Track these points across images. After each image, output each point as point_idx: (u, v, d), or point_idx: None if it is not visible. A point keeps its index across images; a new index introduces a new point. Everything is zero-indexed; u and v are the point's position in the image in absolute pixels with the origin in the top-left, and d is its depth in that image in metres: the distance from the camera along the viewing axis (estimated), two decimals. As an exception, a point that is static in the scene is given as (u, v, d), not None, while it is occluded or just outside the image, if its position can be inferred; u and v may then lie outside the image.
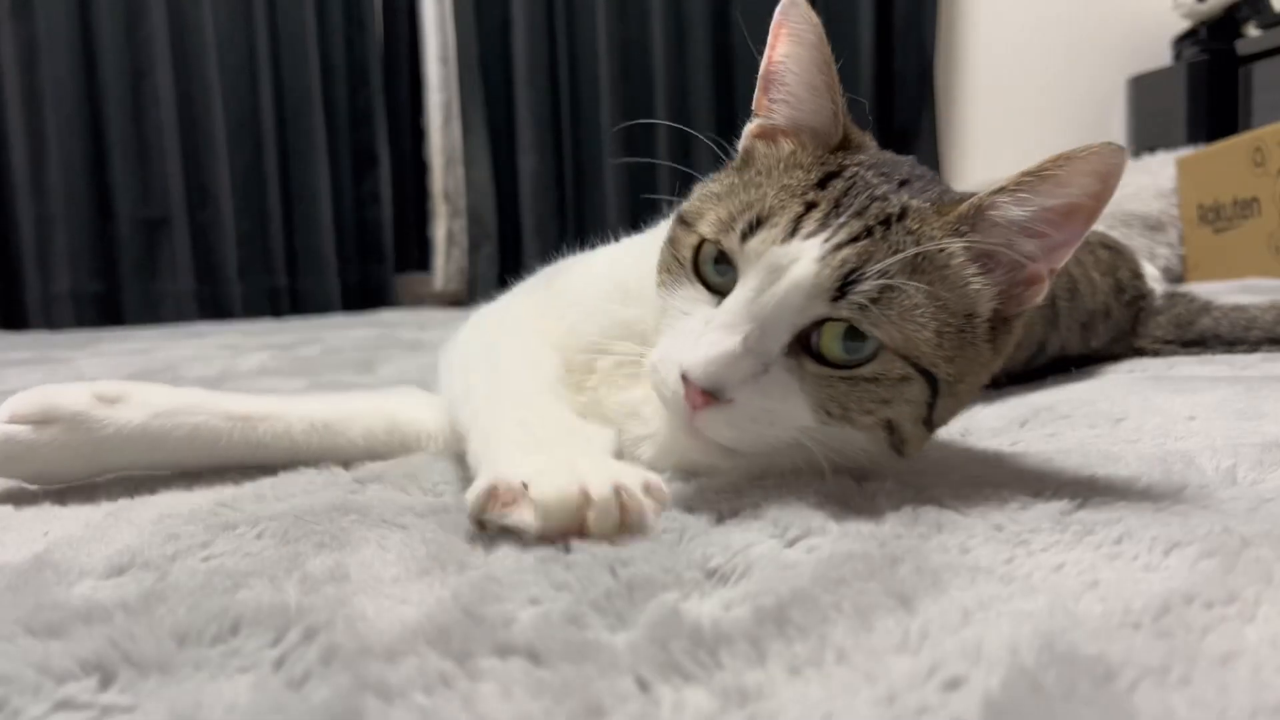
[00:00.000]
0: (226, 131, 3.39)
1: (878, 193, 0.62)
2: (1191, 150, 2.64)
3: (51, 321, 3.29)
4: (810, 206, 0.61)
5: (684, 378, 0.60)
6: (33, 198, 3.27)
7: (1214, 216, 2.41)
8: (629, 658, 0.41)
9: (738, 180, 0.67)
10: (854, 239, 0.60)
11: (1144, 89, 3.39)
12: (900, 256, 0.59)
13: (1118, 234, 2.56)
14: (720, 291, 0.63)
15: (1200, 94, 3.15)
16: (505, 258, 3.65)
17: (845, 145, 0.67)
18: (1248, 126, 2.95)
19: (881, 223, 0.61)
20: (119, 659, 0.43)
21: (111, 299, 3.38)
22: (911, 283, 0.59)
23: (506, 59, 3.59)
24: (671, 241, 0.68)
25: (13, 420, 0.70)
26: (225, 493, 0.75)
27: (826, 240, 0.60)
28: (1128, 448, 0.74)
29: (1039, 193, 0.61)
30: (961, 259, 0.62)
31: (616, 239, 0.93)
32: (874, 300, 0.59)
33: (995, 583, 0.47)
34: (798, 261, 0.59)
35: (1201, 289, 2.28)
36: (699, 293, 0.65)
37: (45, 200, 3.28)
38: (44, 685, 0.41)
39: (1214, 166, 2.42)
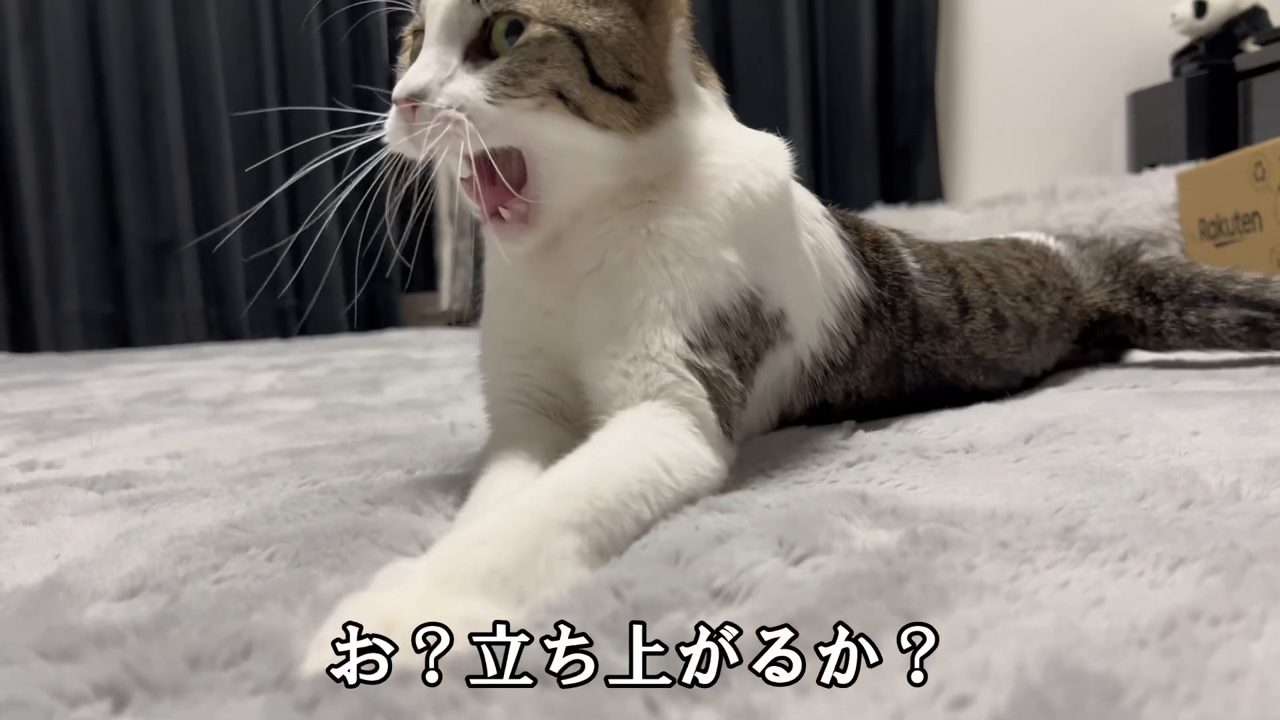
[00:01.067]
0: (234, 154, 3.42)
1: None
2: (1192, 165, 2.65)
3: (60, 344, 3.30)
4: None
5: (394, 105, 0.73)
6: (42, 220, 3.29)
7: (1215, 231, 2.41)
8: (637, 678, 0.41)
9: None
10: None
11: (1144, 105, 3.40)
12: None
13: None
14: None
15: (1200, 109, 3.16)
16: (510, 277, 3.68)
17: None
18: (1248, 141, 2.96)
19: None
20: (132, 682, 0.43)
21: (120, 321, 3.40)
22: None
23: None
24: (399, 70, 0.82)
25: None
26: (236, 513, 0.75)
27: None
28: (1132, 463, 0.75)
29: None
30: None
31: None
32: None
33: (1001, 600, 0.47)
34: None
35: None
36: (406, 66, 0.79)
37: (54, 223, 3.31)
38: (57, 709, 0.41)
39: (1214, 181, 2.43)
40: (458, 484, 0.81)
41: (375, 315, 3.65)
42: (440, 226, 3.66)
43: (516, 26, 0.73)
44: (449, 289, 3.67)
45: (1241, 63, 3.10)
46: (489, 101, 0.72)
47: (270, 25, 3.45)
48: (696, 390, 0.74)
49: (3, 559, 0.69)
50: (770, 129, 0.93)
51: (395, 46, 0.90)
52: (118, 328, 3.40)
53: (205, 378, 1.96)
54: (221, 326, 3.46)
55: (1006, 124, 3.55)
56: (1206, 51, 3.25)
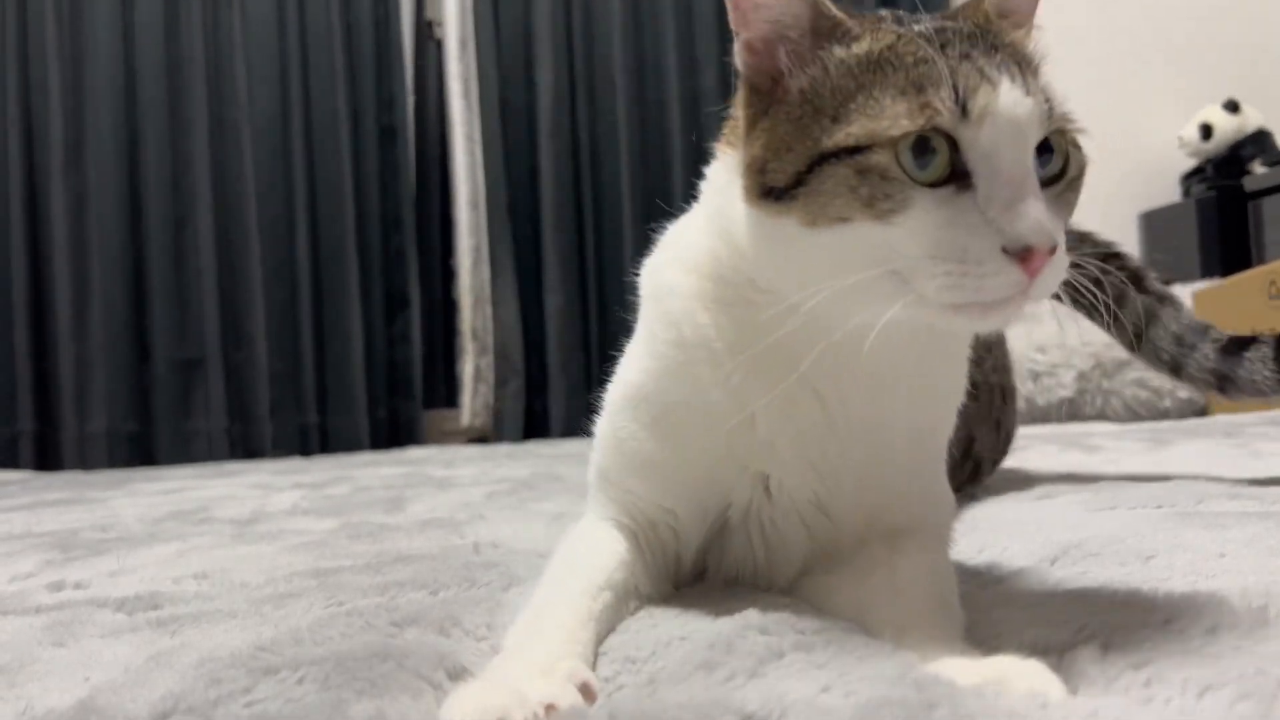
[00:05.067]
0: (263, 275, 3.52)
1: (962, 28, 0.65)
2: (1207, 284, 2.68)
3: (85, 461, 3.34)
4: (964, 58, 0.62)
5: (1026, 252, 0.58)
6: (74, 340, 3.38)
7: (1235, 348, 2.43)
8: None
9: (828, 94, 0.64)
10: (1010, 66, 0.62)
11: (1156, 224, 3.46)
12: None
13: (1138, 367, 2.57)
14: (922, 183, 0.60)
15: (1211, 229, 3.22)
16: (531, 394, 3.72)
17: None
18: (1260, 260, 3.00)
19: (1000, 46, 0.64)
20: (168, 807, 0.44)
21: (144, 438, 3.45)
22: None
23: (534, 205, 3.72)
24: (839, 184, 0.61)
25: None
26: (264, 635, 0.76)
27: (1010, 79, 0.61)
28: (1158, 586, 0.74)
29: None
30: None
31: None
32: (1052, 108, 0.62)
33: (1031, 728, 0.47)
34: (1015, 103, 0.60)
35: (1227, 419, 2.28)
36: (905, 193, 0.60)
37: (86, 343, 3.39)
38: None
39: (1231, 299, 2.46)
40: (483, 604, 0.82)
41: (396, 432, 3.68)
42: (462, 343, 3.72)
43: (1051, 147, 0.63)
44: (470, 405, 3.71)
45: (1250, 184, 3.17)
46: None
47: (302, 148, 3.59)
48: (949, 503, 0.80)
49: (34, 681, 0.69)
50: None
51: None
52: (142, 445, 3.45)
53: (229, 496, 1.98)
54: (244, 443, 3.50)
55: (1020, 243, 3.61)
56: (1215, 173, 3.32)
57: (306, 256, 3.57)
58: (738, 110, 0.73)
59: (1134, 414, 2.62)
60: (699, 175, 0.89)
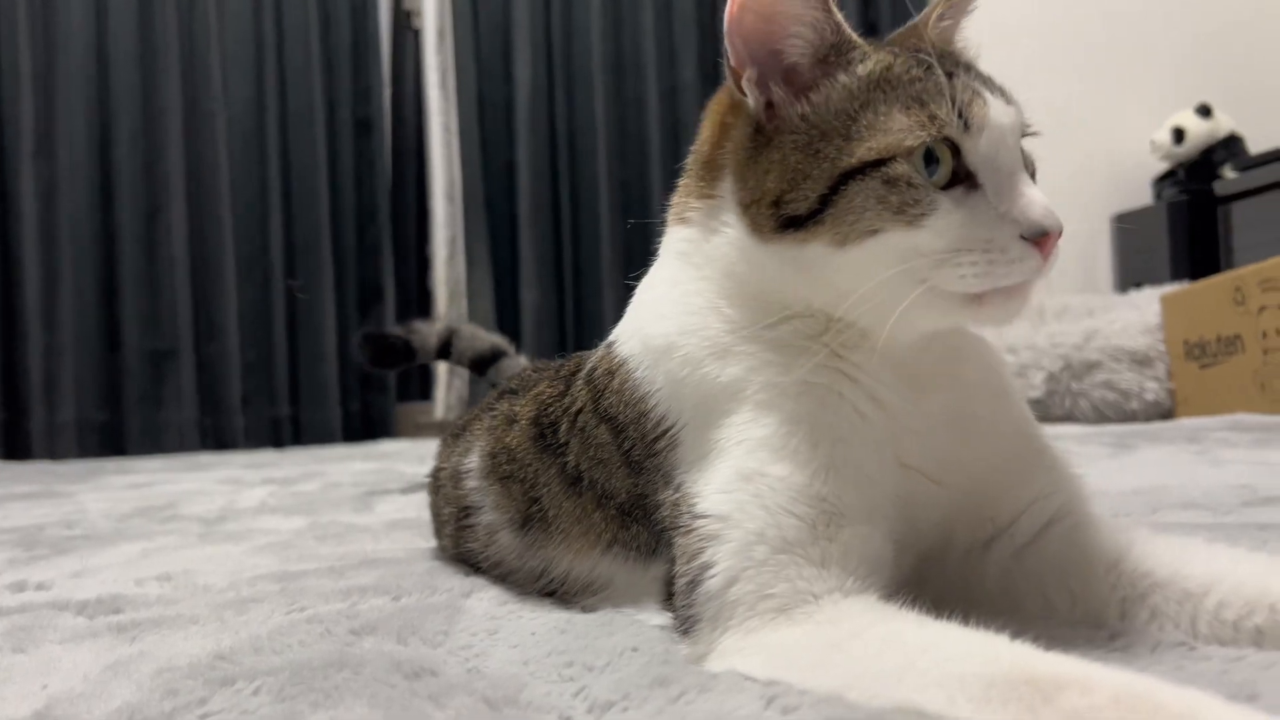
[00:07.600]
0: (236, 266, 3.49)
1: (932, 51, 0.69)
2: (1176, 287, 2.71)
3: (54, 450, 3.31)
4: (950, 76, 0.67)
5: (1044, 236, 0.64)
6: (43, 329, 3.34)
7: (1199, 353, 2.46)
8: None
9: (833, 116, 0.67)
10: (987, 80, 0.70)
11: (1127, 227, 3.49)
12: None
13: (1107, 369, 2.61)
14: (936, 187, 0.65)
15: (1181, 232, 3.25)
16: (505, 388, 3.72)
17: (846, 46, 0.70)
18: (1229, 264, 3.04)
19: (965, 63, 0.71)
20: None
21: (115, 428, 3.42)
22: None
23: (511, 198, 3.72)
24: (868, 197, 0.64)
25: None
26: (224, 643, 0.76)
27: (991, 91, 0.68)
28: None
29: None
30: None
31: None
32: None
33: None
34: (1003, 113, 0.67)
35: (1191, 423, 2.31)
36: (930, 196, 0.64)
37: (56, 331, 3.36)
38: None
39: (1197, 304, 2.49)
40: (442, 612, 0.82)
41: (369, 424, 3.67)
42: (438, 337, 3.71)
43: None
44: (444, 399, 3.70)
45: (1220, 188, 3.21)
46: None
47: (277, 138, 3.57)
48: None
49: (-9, 688, 0.69)
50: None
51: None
52: (112, 435, 3.42)
53: (199, 491, 1.97)
54: (215, 435, 3.47)
55: (993, 243, 3.64)
56: (1186, 177, 3.36)
57: (280, 247, 3.55)
58: (718, 156, 0.75)
59: (1102, 415, 2.65)
60: (677, 171, 0.87)
